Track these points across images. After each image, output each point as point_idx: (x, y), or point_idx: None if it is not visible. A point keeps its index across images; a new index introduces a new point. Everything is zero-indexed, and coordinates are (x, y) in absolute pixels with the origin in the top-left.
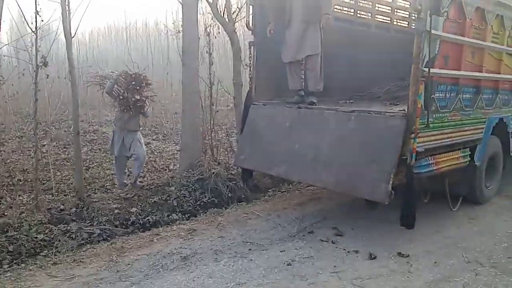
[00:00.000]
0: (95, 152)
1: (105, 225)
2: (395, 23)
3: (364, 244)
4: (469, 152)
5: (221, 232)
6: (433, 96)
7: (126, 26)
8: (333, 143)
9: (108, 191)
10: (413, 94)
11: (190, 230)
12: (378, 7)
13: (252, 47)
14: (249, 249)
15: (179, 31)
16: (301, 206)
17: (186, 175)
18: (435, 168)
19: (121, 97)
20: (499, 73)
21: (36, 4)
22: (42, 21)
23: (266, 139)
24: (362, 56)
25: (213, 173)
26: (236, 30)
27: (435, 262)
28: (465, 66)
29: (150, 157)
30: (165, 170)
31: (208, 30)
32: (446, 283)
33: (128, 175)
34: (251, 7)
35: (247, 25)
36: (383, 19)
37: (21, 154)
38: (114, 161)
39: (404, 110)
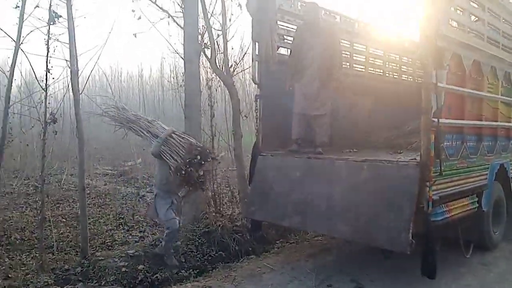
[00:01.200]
0: (90, 207)
1: (112, 284)
2: (387, 74)
3: None
4: (477, 199)
5: None
6: (442, 144)
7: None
8: (346, 192)
9: (110, 248)
10: (425, 144)
11: (205, 287)
12: (371, 60)
13: (258, 100)
14: None
15: (181, 85)
16: (313, 258)
17: (191, 228)
18: (449, 216)
19: (183, 172)
20: (497, 121)
21: (47, 63)
22: (53, 78)
23: (277, 190)
24: (360, 106)
25: (219, 225)
26: (234, 83)
27: None
28: (467, 115)
29: None
30: None
31: (210, 84)
32: None
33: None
34: (256, 62)
35: (253, 79)
36: (376, 70)
37: (14, 211)
38: (167, 230)
39: (415, 159)
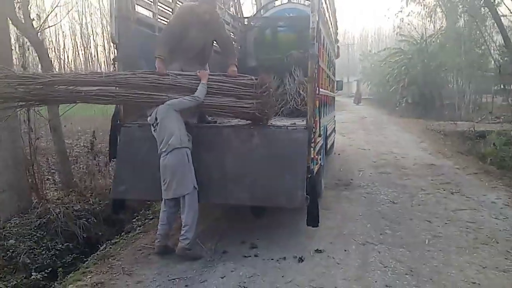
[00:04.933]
0: None
1: None
2: None
3: (282, 250)
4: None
5: (134, 277)
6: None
7: None
8: (239, 159)
9: None
10: (311, 110)
11: (95, 284)
12: None
13: (116, 63)
14: (186, 286)
15: None
16: None
17: (21, 222)
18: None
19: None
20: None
21: None
22: None
23: (154, 164)
24: None
25: (58, 213)
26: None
27: (345, 250)
28: (322, 85)
29: None
30: None
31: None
32: (368, 265)
33: None
34: (114, 18)
35: (112, 39)
36: None
37: None
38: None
39: (295, 123)
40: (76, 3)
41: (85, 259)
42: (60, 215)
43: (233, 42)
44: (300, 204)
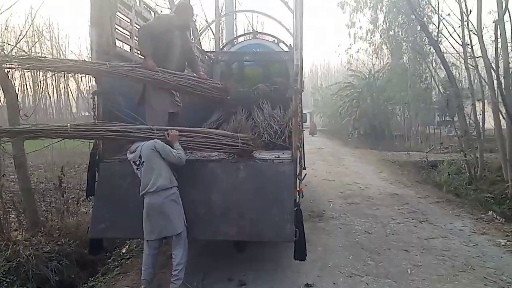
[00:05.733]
0: None
1: None
2: None
3: (272, 285)
4: None
5: None
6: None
7: None
8: (225, 194)
9: None
10: (295, 143)
11: None
12: None
13: (95, 97)
14: None
15: None
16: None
17: None
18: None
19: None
20: None
21: None
22: None
23: (134, 202)
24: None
25: (28, 255)
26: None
27: (334, 283)
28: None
29: None
30: None
31: None
32: None
33: None
34: (94, 52)
35: None
36: None
37: None
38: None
39: (279, 157)
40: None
41: None
42: (31, 258)
43: None
44: (289, 237)
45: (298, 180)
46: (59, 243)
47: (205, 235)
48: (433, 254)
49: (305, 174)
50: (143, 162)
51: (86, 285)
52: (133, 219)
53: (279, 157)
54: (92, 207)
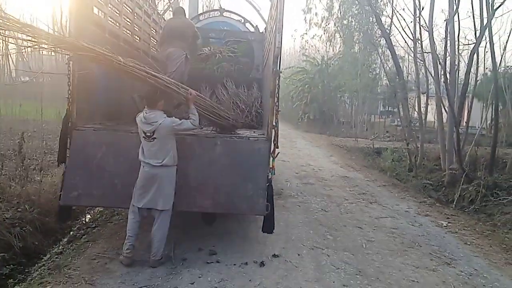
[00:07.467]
0: None
1: None
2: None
3: (241, 255)
4: None
5: (98, 287)
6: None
7: None
8: (202, 168)
9: None
10: (271, 123)
11: None
12: None
13: (70, 62)
14: None
15: None
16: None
17: None
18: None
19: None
20: None
21: None
22: None
23: (110, 170)
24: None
25: None
26: None
27: (298, 255)
28: None
29: None
30: None
31: None
32: (322, 267)
33: None
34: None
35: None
36: None
37: None
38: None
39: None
40: None
41: (25, 270)
42: None
43: None
44: (261, 211)
45: (271, 158)
46: (20, 210)
47: (181, 207)
48: (384, 232)
49: (278, 153)
50: (155, 138)
51: (53, 252)
52: (108, 188)
53: (255, 134)
54: (62, 175)
